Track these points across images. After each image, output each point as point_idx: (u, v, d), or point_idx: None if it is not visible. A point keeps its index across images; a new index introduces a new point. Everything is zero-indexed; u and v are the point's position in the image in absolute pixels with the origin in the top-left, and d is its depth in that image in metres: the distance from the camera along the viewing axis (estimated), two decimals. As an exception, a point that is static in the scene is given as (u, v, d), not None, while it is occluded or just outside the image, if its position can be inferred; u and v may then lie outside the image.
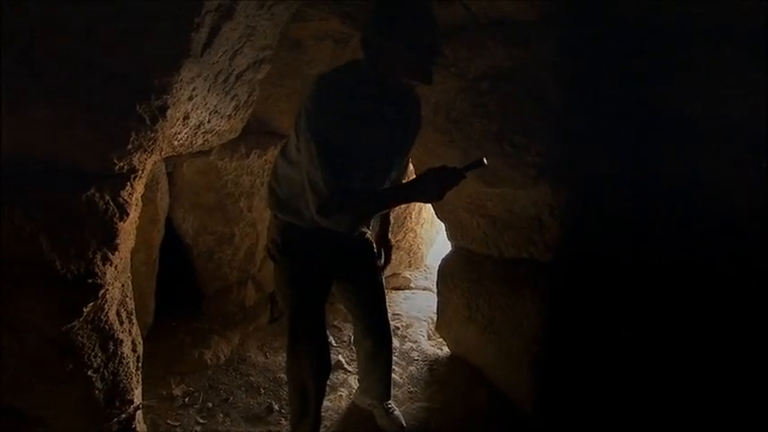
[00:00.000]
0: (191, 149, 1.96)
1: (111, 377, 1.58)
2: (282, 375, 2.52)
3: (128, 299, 1.69)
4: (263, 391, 2.45)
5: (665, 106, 2.15)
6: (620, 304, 2.28)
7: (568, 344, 2.31)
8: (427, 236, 4.18)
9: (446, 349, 2.90)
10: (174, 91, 1.42)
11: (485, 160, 1.33)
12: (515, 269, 2.37)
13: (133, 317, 1.72)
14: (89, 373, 1.52)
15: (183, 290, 2.87)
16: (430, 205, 3.41)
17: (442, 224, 2.82)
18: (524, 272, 2.33)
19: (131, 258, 1.77)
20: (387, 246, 2.07)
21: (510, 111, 2.00)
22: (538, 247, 2.29)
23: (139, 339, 1.76)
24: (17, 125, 1.22)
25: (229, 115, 2.04)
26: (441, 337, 2.95)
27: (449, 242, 2.82)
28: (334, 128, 1.39)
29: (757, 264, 2.02)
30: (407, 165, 1.83)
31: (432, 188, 1.29)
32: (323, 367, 1.84)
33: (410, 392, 2.51)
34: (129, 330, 1.69)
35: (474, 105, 2.11)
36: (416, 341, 3.02)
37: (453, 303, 2.69)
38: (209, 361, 2.56)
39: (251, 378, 2.54)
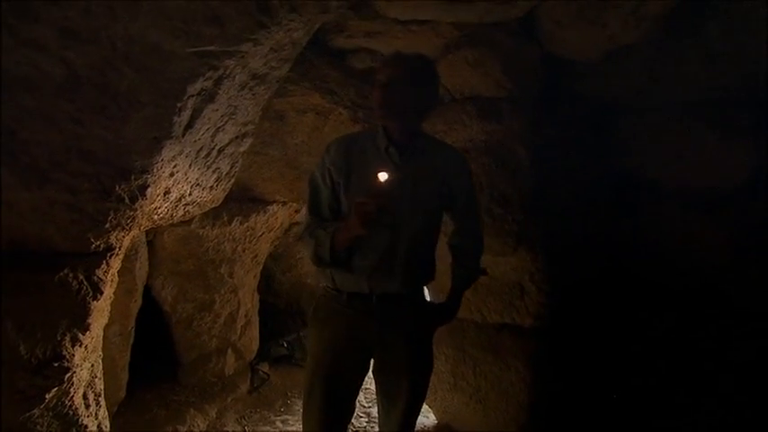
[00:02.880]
0: (171, 221, 1.96)
1: (73, 468, 1.49)
2: (260, 452, 2.39)
3: (96, 379, 1.62)
4: (239, 470, 2.31)
5: (636, 176, 2.25)
6: (606, 367, 2.26)
7: (556, 411, 2.26)
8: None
9: (432, 417, 2.80)
10: (155, 170, 1.44)
11: (380, 176, 1.32)
12: (498, 335, 2.36)
13: (101, 398, 1.65)
14: (48, 465, 1.43)
15: (159, 359, 2.77)
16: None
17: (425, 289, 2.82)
18: (507, 338, 2.32)
19: (105, 330, 1.72)
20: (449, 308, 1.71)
21: (486, 182, 2.07)
22: (520, 312, 2.30)
23: (106, 423, 1.67)
24: (-7, 209, 1.22)
25: (211, 187, 2.06)
26: (426, 404, 2.85)
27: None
28: (323, 172, 1.51)
29: (735, 323, 2.04)
30: (436, 225, 1.59)
31: (353, 221, 1.34)
32: None
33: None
34: (96, 414, 1.61)
35: (451, 176, 2.19)
36: (401, 410, 2.92)
37: (438, 371, 2.63)
38: (183, 438, 2.44)
39: (227, 456, 2.40)
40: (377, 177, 1.31)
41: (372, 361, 1.60)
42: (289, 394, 3.09)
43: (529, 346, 2.24)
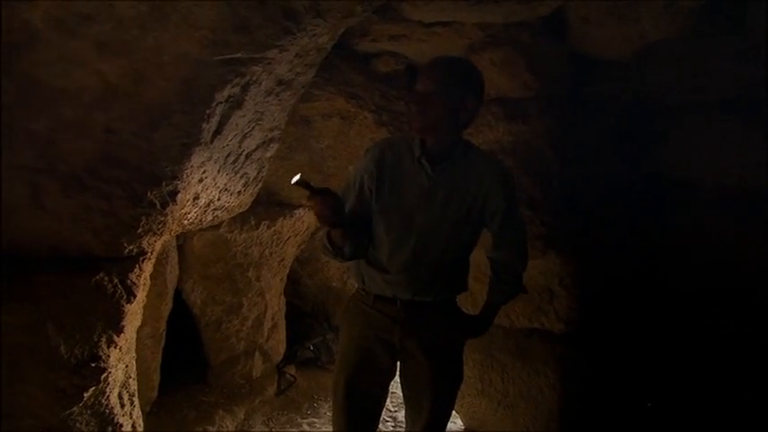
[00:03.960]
0: (201, 226, 2.01)
1: (108, 465, 1.53)
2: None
3: (130, 380, 1.67)
4: (266, 472, 2.34)
5: (669, 176, 2.18)
6: (640, 374, 2.19)
7: (587, 419, 2.20)
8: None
9: (459, 422, 2.77)
10: (185, 176, 1.48)
11: (293, 179, 1.31)
12: (527, 340, 2.31)
13: (135, 398, 1.69)
14: (86, 461, 1.47)
15: (189, 360, 2.83)
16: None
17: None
18: (537, 343, 2.27)
19: (138, 332, 1.77)
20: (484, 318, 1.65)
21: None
22: (549, 317, 2.25)
23: (140, 422, 1.72)
24: (34, 216, 1.27)
25: (239, 192, 2.10)
26: (454, 410, 2.82)
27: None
28: (357, 176, 1.52)
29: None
30: (469, 238, 1.53)
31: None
32: None
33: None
34: (130, 413, 1.65)
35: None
36: (428, 415, 2.89)
37: (465, 376, 2.59)
38: (212, 439, 2.48)
39: (255, 457, 2.43)
40: (295, 179, 1.28)
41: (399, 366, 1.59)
42: (315, 397, 3.11)
43: (559, 351, 2.19)
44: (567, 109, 2.14)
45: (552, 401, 2.19)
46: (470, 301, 2.58)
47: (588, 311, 2.19)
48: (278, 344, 3.20)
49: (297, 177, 1.28)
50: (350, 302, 1.64)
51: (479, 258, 2.31)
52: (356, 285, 1.61)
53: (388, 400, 2.44)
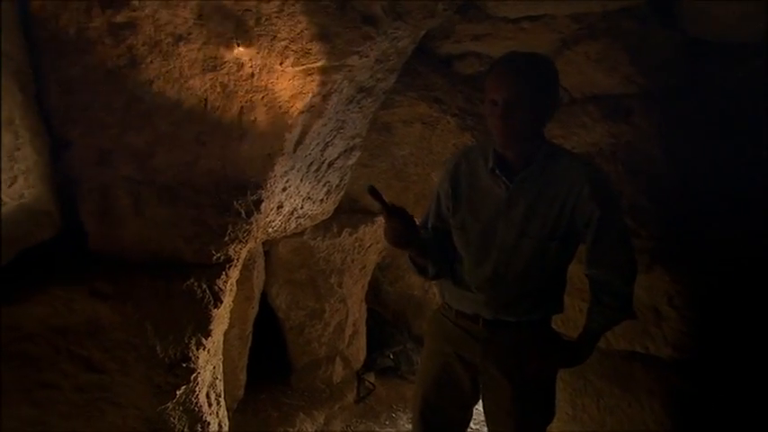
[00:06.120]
0: (285, 233, 2.06)
1: (197, 460, 1.61)
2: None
3: (217, 381, 1.74)
4: (345, 480, 2.33)
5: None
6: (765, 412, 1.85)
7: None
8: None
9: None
10: (269, 185, 1.51)
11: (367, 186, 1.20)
12: (628, 365, 2.06)
13: (221, 398, 1.76)
14: (178, 455, 1.56)
15: (274, 363, 2.93)
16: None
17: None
18: (639, 369, 2.01)
19: (226, 334, 1.85)
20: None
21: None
22: (655, 341, 1.98)
23: (225, 421, 1.79)
24: (136, 224, 1.37)
25: (321, 200, 2.13)
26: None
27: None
28: (438, 190, 1.47)
29: None
30: (561, 253, 1.37)
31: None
32: None
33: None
34: (217, 412, 1.72)
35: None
36: (513, 437, 2.71)
37: (555, 398, 2.40)
38: (293, 441, 2.53)
39: (333, 464, 2.44)
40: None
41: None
42: (394, 407, 3.06)
43: (668, 381, 1.91)
44: (680, 103, 1.87)
45: (660, 438, 1.93)
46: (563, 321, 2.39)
47: (704, 337, 1.89)
48: (358, 351, 3.21)
49: (369, 186, 1.22)
50: (433, 316, 1.59)
51: (570, 271, 2.13)
52: (439, 300, 1.55)
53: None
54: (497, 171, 1.32)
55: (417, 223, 1.32)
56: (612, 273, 1.36)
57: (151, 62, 1.27)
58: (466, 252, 1.40)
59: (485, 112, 1.32)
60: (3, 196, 1.19)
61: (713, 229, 1.84)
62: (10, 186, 1.21)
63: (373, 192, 1.18)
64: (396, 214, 1.21)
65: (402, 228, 1.22)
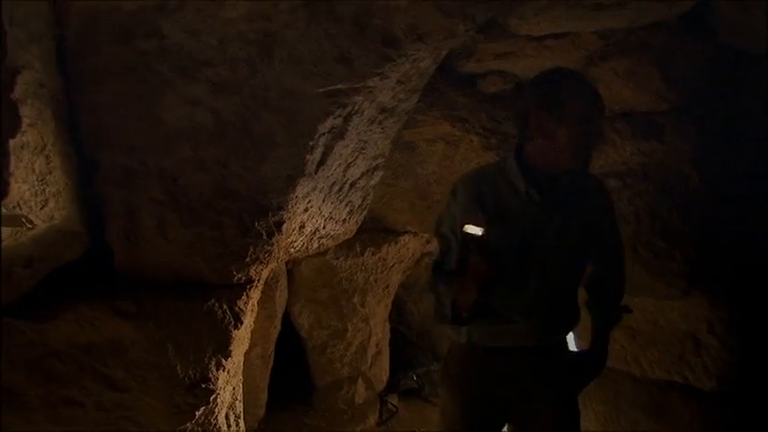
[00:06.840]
0: (307, 253, 2.06)
1: (216, 483, 1.59)
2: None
3: (237, 402, 1.73)
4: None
5: None
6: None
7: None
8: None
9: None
10: (290, 206, 1.51)
11: (469, 229, 1.14)
12: (664, 396, 1.95)
13: (240, 420, 1.75)
14: (197, 476, 1.54)
15: (296, 382, 2.91)
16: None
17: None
18: (677, 401, 1.90)
19: (248, 353, 1.84)
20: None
21: (645, 211, 1.76)
22: (695, 371, 1.88)
23: (245, 444, 1.76)
24: (159, 245, 1.39)
25: (344, 220, 2.12)
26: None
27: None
28: (451, 221, 1.37)
29: None
30: (582, 267, 1.42)
31: (468, 283, 1.22)
32: None
33: None
34: (237, 435, 1.71)
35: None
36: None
37: (586, 430, 2.28)
38: (314, 464, 2.49)
39: (354, 490, 2.38)
40: (476, 232, 1.12)
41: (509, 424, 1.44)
42: (417, 431, 2.98)
43: (709, 415, 1.80)
44: (714, 118, 1.80)
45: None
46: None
47: (750, 367, 1.77)
48: (381, 371, 3.16)
49: (474, 228, 1.14)
50: (450, 359, 1.48)
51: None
52: (456, 339, 1.44)
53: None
54: (532, 191, 1.29)
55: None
56: (616, 280, 1.49)
57: (178, 86, 1.30)
58: (501, 280, 1.29)
59: (540, 130, 1.25)
60: (34, 218, 1.22)
61: (754, 252, 1.74)
62: (41, 209, 1.25)
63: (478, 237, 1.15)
64: (490, 254, 1.17)
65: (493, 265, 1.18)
